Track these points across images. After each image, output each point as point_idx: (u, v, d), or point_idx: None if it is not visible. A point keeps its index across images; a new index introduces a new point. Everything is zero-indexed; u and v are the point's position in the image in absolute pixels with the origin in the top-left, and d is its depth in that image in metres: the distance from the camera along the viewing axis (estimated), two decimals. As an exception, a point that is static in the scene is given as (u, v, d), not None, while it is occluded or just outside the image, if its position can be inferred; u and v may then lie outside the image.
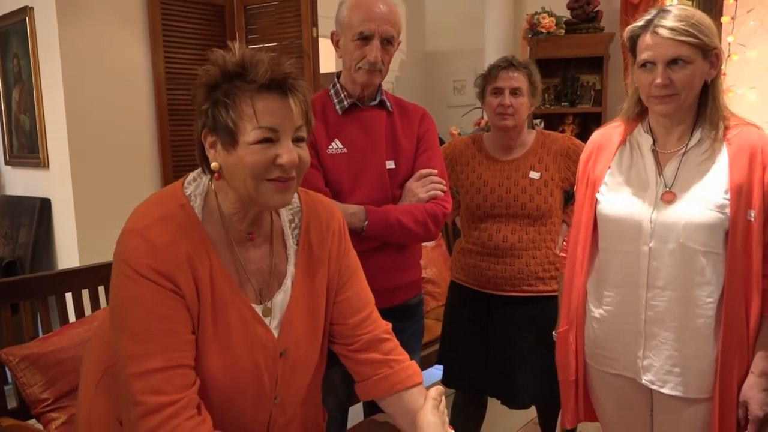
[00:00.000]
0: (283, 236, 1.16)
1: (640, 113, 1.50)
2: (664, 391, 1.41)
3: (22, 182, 3.52)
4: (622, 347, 1.47)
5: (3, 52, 3.46)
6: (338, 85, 1.73)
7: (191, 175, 1.11)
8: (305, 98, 1.03)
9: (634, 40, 1.40)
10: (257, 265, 1.11)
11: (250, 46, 3.60)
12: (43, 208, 3.26)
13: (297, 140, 1.03)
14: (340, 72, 1.75)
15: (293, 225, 1.17)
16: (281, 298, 1.12)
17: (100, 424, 1.14)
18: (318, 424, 1.29)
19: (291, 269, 1.15)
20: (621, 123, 1.54)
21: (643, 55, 1.36)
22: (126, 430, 1.03)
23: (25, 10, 3.14)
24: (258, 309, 1.10)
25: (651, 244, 1.38)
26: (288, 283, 1.14)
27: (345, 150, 1.68)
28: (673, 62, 1.32)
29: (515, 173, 2.06)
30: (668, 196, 1.38)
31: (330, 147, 1.68)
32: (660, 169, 1.43)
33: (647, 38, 1.35)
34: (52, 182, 3.23)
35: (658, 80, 1.33)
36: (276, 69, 1.00)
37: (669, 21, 1.33)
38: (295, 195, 1.20)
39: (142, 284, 0.98)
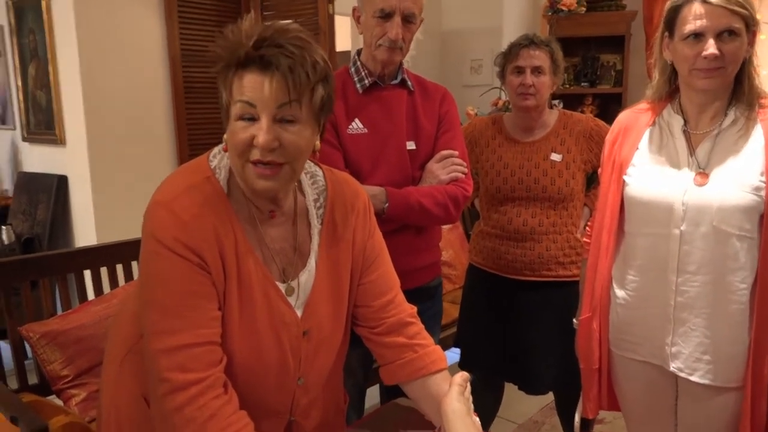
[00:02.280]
0: (307, 215, 1.14)
1: (669, 93, 1.45)
2: (693, 378, 1.38)
3: (39, 159, 3.53)
4: (649, 333, 1.44)
5: (19, 27, 3.45)
6: (359, 62, 1.70)
7: (215, 149, 1.09)
8: (299, 75, 0.95)
9: (675, 11, 1.35)
10: (280, 244, 1.10)
11: (265, 23, 3.57)
12: (60, 185, 3.27)
13: (284, 121, 0.97)
14: (361, 50, 1.72)
15: (318, 204, 1.15)
16: (305, 278, 1.11)
17: (126, 401, 1.13)
18: (339, 406, 1.28)
19: (315, 249, 1.13)
20: (648, 104, 1.49)
21: (692, 26, 1.30)
22: (152, 407, 1.03)
23: (41, -15, 3.12)
24: (282, 288, 1.08)
25: (683, 228, 1.35)
26: (312, 262, 1.12)
27: (365, 130, 1.65)
28: (723, 33, 1.27)
29: (536, 155, 2.01)
30: (701, 178, 1.35)
31: (350, 127, 1.65)
32: (692, 150, 1.39)
33: (696, 7, 1.30)
34: (68, 159, 3.24)
35: (711, 51, 1.27)
36: (255, 45, 0.94)
37: None
38: (321, 173, 1.18)
39: (170, 258, 0.97)
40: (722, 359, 1.35)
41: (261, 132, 0.95)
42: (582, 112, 4.15)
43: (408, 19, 1.61)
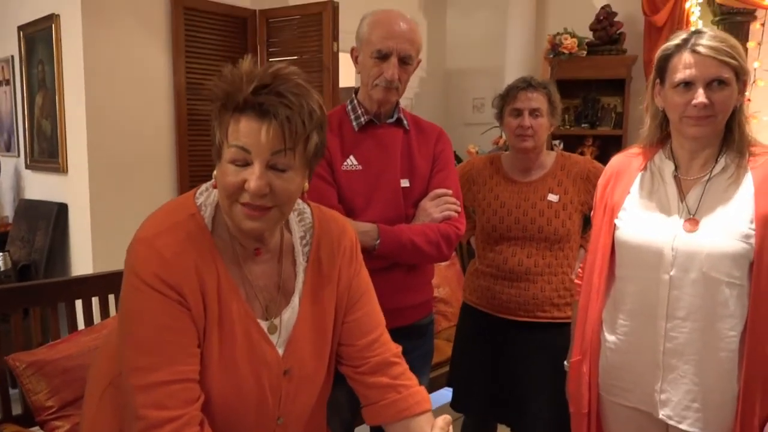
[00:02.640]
0: (293, 253, 1.14)
1: (660, 139, 1.47)
2: (682, 427, 1.36)
3: (40, 186, 3.56)
4: (638, 379, 1.42)
5: (29, 57, 3.51)
6: (356, 101, 1.72)
7: (204, 186, 1.10)
8: (296, 125, 0.96)
9: (666, 59, 1.37)
10: (264, 282, 1.10)
11: (270, 59, 3.63)
12: (60, 213, 3.29)
13: (277, 168, 0.98)
14: (359, 88, 1.74)
15: (304, 242, 1.15)
16: (288, 316, 1.10)
17: None
18: (321, 446, 1.26)
19: (299, 286, 1.12)
20: (640, 149, 1.50)
21: (682, 74, 1.32)
22: None
23: (52, 18, 3.19)
24: (264, 325, 1.08)
25: (672, 273, 1.34)
26: (296, 300, 1.12)
27: (360, 167, 1.67)
28: (713, 83, 1.29)
29: (533, 195, 2.02)
30: (691, 224, 1.35)
31: (345, 163, 1.66)
32: (682, 196, 1.39)
33: (686, 57, 1.32)
34: (69, 188, 3.26)
35: (700, 99, 1.29)
36: (255, 91, 0.95)
37: (708, 41, 1.30)
38: (308, 211, 1.18)
39: (149, 295, 0.97)
40: (711, 407, 1.33)
41: (253, 177, 0.96)
42: (582, 153, 4.18)
43: (405, 61, 1.63)
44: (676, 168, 1.42)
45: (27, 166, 3.66)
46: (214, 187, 1.05)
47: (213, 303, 1.01)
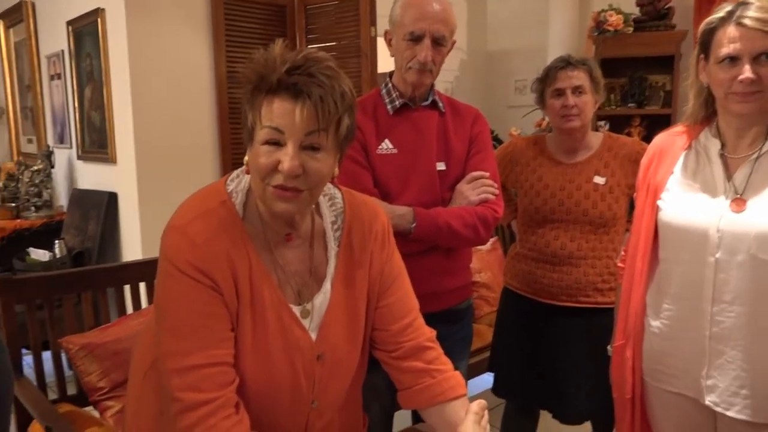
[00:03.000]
0: (324, 238, 1.14)
1: (706, 116, 1.41)
2: (729, 414, 1.31)
3: (92, 176, 3.68)
4: (684, 364, 1.38)
5: (77, 51, 3.62)
6: (390, 84, 1.71)
7: (235, 172, 1.12)
8: (328, 105, 0.97)
9: (710, 33, 1.31)
10: (296, 267, 1.10)
11: (309, 46, 3.64)
12: (110, 201, 3.39)
13: (310, 148, 0.99)
14: (393, 72, 1.73)
15: (336, 226, 1.15)
16: (320, 301, 1.11)
17: (146, 416, 1.16)
18: (357, 430, 1.27)
19: (331, 271, 1.13)
20: (684, 128, 1.45)
21: (727, 49, 1.26)
22: (168, 424, 1.05)
23: (97, 12, 3.27)
24: (296, 310, 1.09)
25: (718, 255, 1.29)
26: (327, 285, 1.12)
27: (395, 150, 1.66)
28: (760, 56, 1.23)
29: (579, 177, 1.97)
30: (738, 204, 1.29)
31: (380, 147, 1.66)
32: (729, 175, 1.33)
33: (730, 30, 1.26)
34: (118, 177, 3.36)
35: (746, 75, 1.23)
36: (288, 71, 0.96)
37: (755, 12, 1.23)
38: (339, 196, 1.18)
39: (182, 281, 0.99)
40: (761, 394, 1.28)
41: (287, 158, 0.96)
42: (629, 133, 4.06)
43: (438, 42, 1.61)
44: (723, 146, 1.36)
45: (79, 157, 3.79)
46: (247, 172, 1.06)
47: (245, 288, 1.03)
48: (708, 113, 1.40)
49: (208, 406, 0.97)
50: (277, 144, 0.97)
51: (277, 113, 0.97)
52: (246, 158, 1.04)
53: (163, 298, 1.02)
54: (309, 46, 3.60)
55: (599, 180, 1.95)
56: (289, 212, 1.03)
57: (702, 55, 1.35)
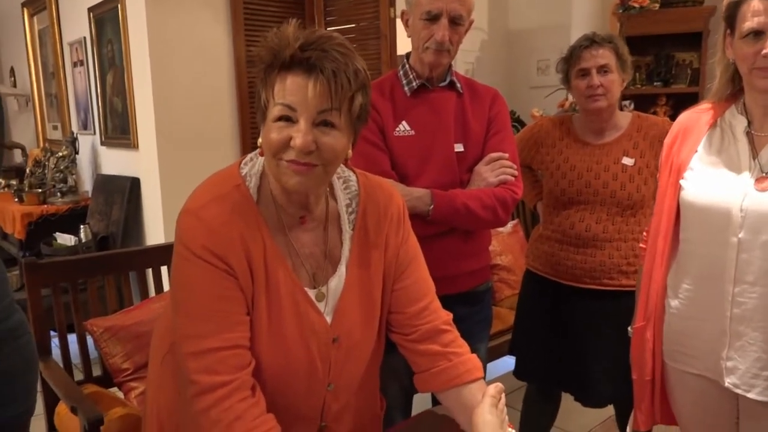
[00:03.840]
0: (338, 221, 1.14)
1: (732, 93, 1.37)
2: (750, 396, 1.29)
3: (115, 162, 3.73)
4: (704, 345, 1.36)
5: (99, 38, 3.65)
6: (407, 65, 1.69)
7: (249, 156, 1.12)
8: (341, 81, 0.96)
9: (735, 7, 1.27)
10: (310, 249, 1.10)
11: (328, 28, 3.62)
12: (133, 186, 3.44)
13: (323, 124, 0.98)
14: (410, 53, 1.71)
15: (350, 209, 1.15)
16: (335, 284, 1.11)
17: (166, 397, 1.17)
18: (374, 412, 1.27)
19: (346, 254, 1.12)
20: (710, 105, 1.41)
21: (751, 23, 1.22)
22: (184, 406, 1.06)
23: (117, -2, 3.29)
24: (311, 293, 1.09)
25: (741, 235, 1.26)
26: (342, 268, 1.12)
27: (412, 132, 1.64)
28: None
29: (606, 158, 1.93)
30: (763, 183, 1.25)
31: (397, 129, 1.64)
32: (755, 153, 1.29)
33: (755, 3, 1.22)
34: (141, 162, 3.40)
35: None
36: (302, 47, 0.95)
37: None
38: (354, 178, 1.17)
39: (197, 264, 1.00)
40: None
41: (299, 134, 0.96)
42: (654, 112, 3.98)
43: (455, 21, 1.59)
44: (749, 124, 1.32)
45: (102, 143, 3.84)
46: (261, 154, 1.05)
47: (260, 272, 1.03)
48: (734, 90, 1.37)
49: (224, 389, 0.97)
50: (290, 120, 0.97)
51: (290, 89, 0.96)
52: (260, 140, 1.04)
53: (179, 282, 1.03)
54: (328, 29, 3.58)
55: (628, 161, 1.91)
56: (303, 187, 1.01)
57: (728, 30, 1.31)
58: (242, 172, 1.08)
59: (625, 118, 1.99)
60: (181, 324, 1.01)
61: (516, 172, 1.67)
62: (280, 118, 0.97)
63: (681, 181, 1.38)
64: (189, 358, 0.99)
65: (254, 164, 1.09)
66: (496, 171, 1.65)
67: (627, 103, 4.06)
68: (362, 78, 1.00)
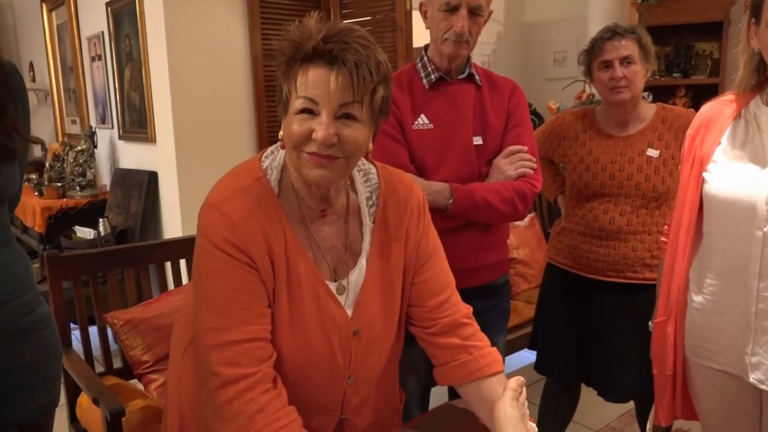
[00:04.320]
0: (359, 214, 1.14)
1: (757, 84, 1.34)
2: (774, 392, 1.27)
3: (133, 156, 3.76)
4: (727, 341, 1.34)
5: (117, 32, 3.67)
6: (425, 58, 1.68)
7: (269, 149, 1.12)
8: (363, 73, 0.96)
9: None
10: (331, 242, 1.10)
11: (344, 21, 3.61)
12: (150, 180, 3.47)
13: (345, 117, 0.98)
14: (428, 45, 1.70)
15: (370, 202, 1.15)
16: (356, 277, 1.11)
17: (188, 389, 1.18)
18: (394, 405, 1.28)
19: (366, 247, 1.12)
20: (734, 96, 1.38)
21: None
22: (204, 399, 1.07)
23: (135, -8, 3.31)
24: (332, 286, 1.09)
25: (766, 229, 1.24)
26: (363, 261, 1.12)
27: (431, 125, 1.64)
28: None
29: (631, 150, 1.91)
30: None
31: (416, 122, 1.64)
32: None
33: None
34: (158, 156, 3.42)
35: None
36: (324, 39, 0.95)
37: None
38: (374, 171, 1.17)
39: (219, 257, 1.00)
40: None
41: (321, 127, 0.96)
42: (673, 104, 3.92)
43: (475, 12, 1.58)
44: (775, 115, 1.30)
45: (120, 137, 3.87)
46: (282, 147, 1.05)
47: (281, 265, 1.03)
48: (759, 80, 1.34)
49: (246, 381, 0.98)
50: (311, 113, 0.97)
51: (312, 82, 0.96)
52: (281, 133, 1.04)
53: (201, 274, 1.03)
54: (344, 21, 3.57)
55: (653, 153, 1.89)
56: (324, 179, 1.01)
57: (753, 19, 1.29)
58: (263, 165, 1.08)
59: (649, 109, 1.97)
60: (203, 317, 1.02)
61: (535, 165, 1.66)
62: (301, 111, 0.97)
63: (704, 174, 1.36)
64: (211, 350, 0.99)
65: (275, 157, 1.09)
66: (516, 164, 1.63)
67: (646, 94, 4.01)
68: (384, 70, 1.00)
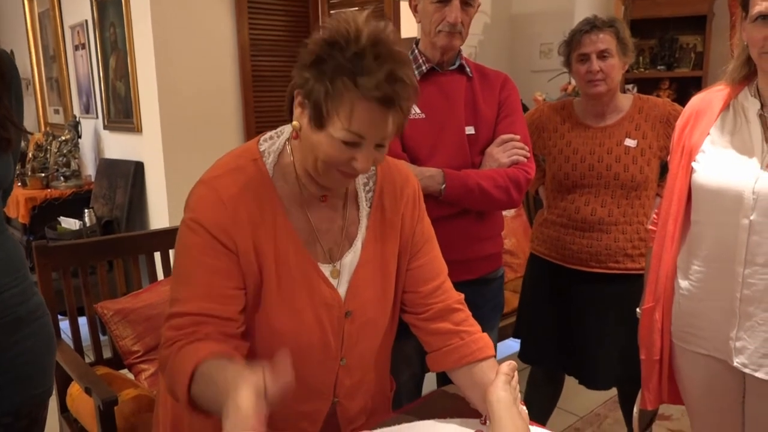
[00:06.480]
0: (356, 198, 1.15)
1: (746, 76, 1.37)
2: (758, 375, 1.31)
3: (118, 146, 3.72)
4: (713, 326, 1.37)
5: (101, 21, 3.63)
6: (417, 51, 1.69)
7: (269, 133, 1.13)
8: (406, 113, 0.99)
9: None
10: (328, 225, 1.12)
11: (331, 11, 3.60)
12: (137, 171, 3.44)
13: (379, 146, 1.01)
14: (418, 39, 1.71)
15: (367, 188, 1.16)
16: (350, 259, 1.12)
17: None
18: (384, 393, 1.29)
19: (362, 231, 1.14)
20: (724, 86, 1.41)
21: (759, 7, 1.22)
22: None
23: (120, -20, 3.26)
24: (326, 268, 1.10)
25: (752, 217, 1.27)
26: (358, 244, 1.13)
27: (423, 115, 1.64)
28: None
29: (609, 140, 1.94)
30: None
31: (407, 112, 1.64)
32: (767, 136, 1.30)
33: None
34: (144, 146, 3.39)
35: None
36: (391, 86, 0.93)
37: None
38: None
39: (198, 233, 1.01)
40: None
41: (362, 158, 0.98)
42: (658, 96, 3.97)
43: (466, 2, 1.59)
44: (762, 107, 1.32)
45: (105, 127, 3.83)
46: (296, 137, 1.05)
47: (268, 246, 1.04)
48: (749, 72, 1.36)
49: (185, 340, 0.97)
50: (354, 144, 0.97)
51: (365, 121, 0.95)
52: (295, 123, 1.02)
53: (179, 246, 1.05)
54: (330, 12, 3.56)
55: (630, 143, 1.92)
56: (344, 187, 1.10)
57: (744, 13, 1.31)
58: (261, 147, 1.10)
59: (626, 99, 2.00)
60: (172, 287, 1.03)
61: (528, 153, 1.67)
62: (346, 142, 0.97)
63: (693, 164, 1.39)
64: (168, 318, 1.00)
65: (274, 143, 1.10)
66: (509, 152, 1.65)
67: (630, 87, 4.06)
68: (414, 92, 1.00)
